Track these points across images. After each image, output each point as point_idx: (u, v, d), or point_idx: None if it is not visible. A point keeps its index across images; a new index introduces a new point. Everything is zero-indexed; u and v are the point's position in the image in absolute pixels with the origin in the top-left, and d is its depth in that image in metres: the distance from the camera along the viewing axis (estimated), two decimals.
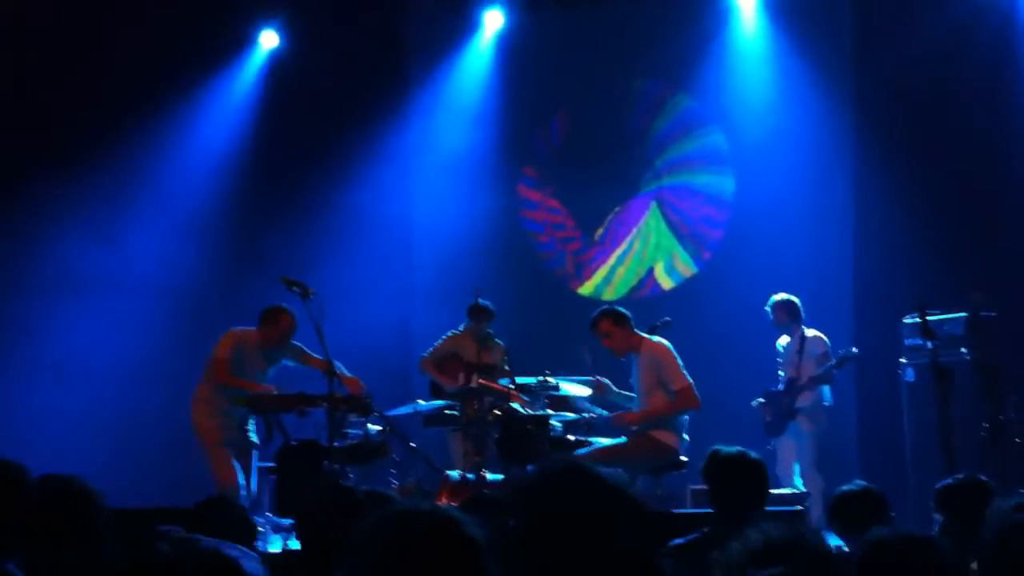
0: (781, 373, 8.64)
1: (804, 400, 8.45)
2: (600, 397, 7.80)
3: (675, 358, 7.44)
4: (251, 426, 7.78)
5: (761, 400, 8.63)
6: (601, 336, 7.51)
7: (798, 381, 8.45)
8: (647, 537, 2.10)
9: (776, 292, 8.80)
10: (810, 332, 8.58)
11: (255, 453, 7.78)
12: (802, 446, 8.43)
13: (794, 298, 8.66)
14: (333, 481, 6.53)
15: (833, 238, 9.95)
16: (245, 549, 3.02)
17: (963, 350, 8.03)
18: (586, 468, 2.15)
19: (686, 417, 7.54)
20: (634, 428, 7.48)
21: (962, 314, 8.11)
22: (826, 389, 8.57)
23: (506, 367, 8.01)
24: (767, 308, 8.69)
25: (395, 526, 1.97)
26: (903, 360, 8.44)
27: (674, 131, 10.59)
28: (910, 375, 8.35)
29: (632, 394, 7.62)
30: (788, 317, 8.61)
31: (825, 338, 8.57)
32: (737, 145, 10.37)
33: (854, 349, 8.51)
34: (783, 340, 8.73)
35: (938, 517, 4.27)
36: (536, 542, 2.04)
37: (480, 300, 8.33)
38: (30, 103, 9.73)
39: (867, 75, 9.78)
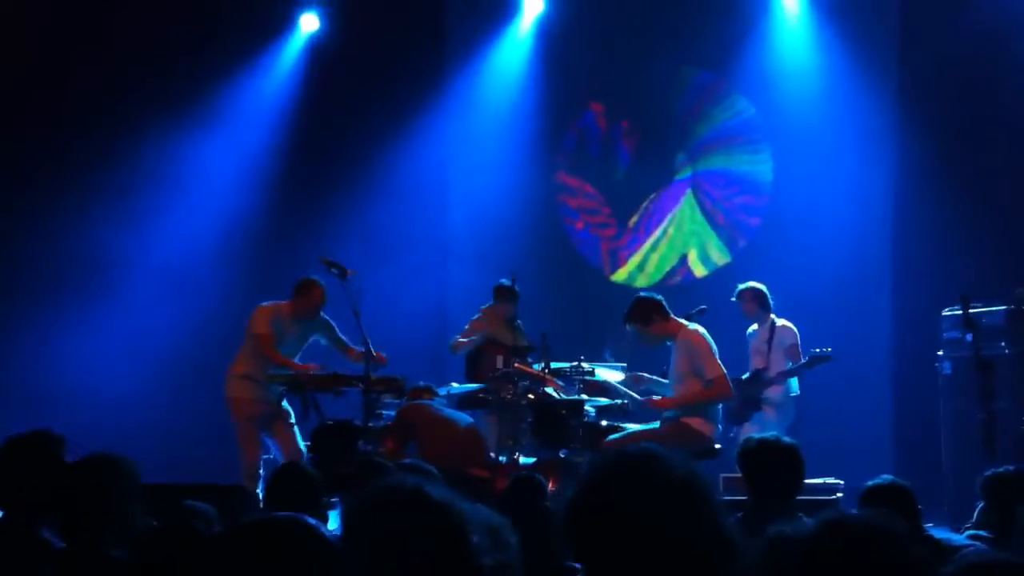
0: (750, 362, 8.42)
1: (772, 392, 8.22)
2: (637, 388, 7.80)
3: (710, 346, 7.40)
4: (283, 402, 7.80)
5: None
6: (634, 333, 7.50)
7: (766, 372, 8.23)
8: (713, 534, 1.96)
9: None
10: (780, 322, 8.35)
11: (295, 427, 7.79)
12: None
13: (762, 286, 8.41)
14: (371, 458, 6.55)
15: (872, 229, 9.87)
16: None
17: (1002, 343, 7.94)
18: (656, 456, 1.99)
19: (719, 405, 7.53)
20: (667, 413, 7.46)
21: (1002, 307, 8.02)
22: (793, 380, 8.31)
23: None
24: (733, 299, 8.43)
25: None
26: (940, 353, 8.34)
27: (712, 117, 10.54)
28: (947, 368, 8.25)
29: (667, 380, 7.60)
30: (758, 306, 8.36)
31: (795, 329, 8.33)
32: (776, 132, 10.31)
33: (828, 349, 8.18)
34: (754, 327, 8.48)
35: (979, 503, 4.25)
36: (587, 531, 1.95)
37: (514, 284, 8.35)
38: (65, 85, 9.79)
39: (912, 61, 9.69)
